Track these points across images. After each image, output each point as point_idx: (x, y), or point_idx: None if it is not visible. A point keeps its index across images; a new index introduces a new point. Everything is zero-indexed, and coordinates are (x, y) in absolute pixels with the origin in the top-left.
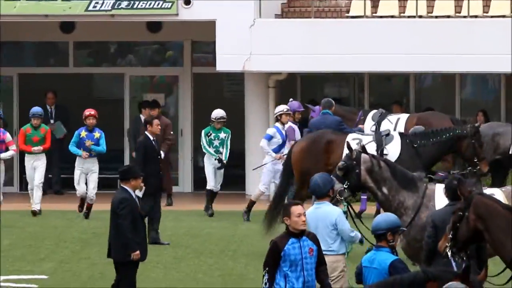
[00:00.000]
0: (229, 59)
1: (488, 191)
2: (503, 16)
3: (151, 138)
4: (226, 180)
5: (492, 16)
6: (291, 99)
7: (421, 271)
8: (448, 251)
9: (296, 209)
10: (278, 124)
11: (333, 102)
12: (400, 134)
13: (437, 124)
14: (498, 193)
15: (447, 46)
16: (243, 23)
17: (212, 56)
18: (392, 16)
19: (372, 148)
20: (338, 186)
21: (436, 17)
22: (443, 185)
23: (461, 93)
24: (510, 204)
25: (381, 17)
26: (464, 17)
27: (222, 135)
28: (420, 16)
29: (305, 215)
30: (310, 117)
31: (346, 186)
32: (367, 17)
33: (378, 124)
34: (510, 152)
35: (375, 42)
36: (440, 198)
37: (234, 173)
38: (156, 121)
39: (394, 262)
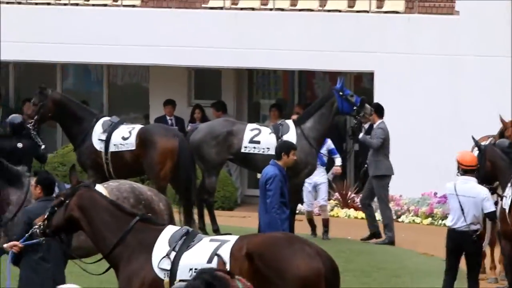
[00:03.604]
0: None
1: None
2: (133, 6)
3: None
4: None
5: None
6: None
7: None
8: (38, 230)
9: None
10: None
11: None
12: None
13: None
14: (99, 189)
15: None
16: None
17: None
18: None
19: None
20: None
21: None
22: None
23: (63, 83)
24: None
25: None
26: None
27: None
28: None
29: None
30: None
31: None
32: None
33: None
34: (241, 151)
35: None
36: None
37: None
38: None
39: None
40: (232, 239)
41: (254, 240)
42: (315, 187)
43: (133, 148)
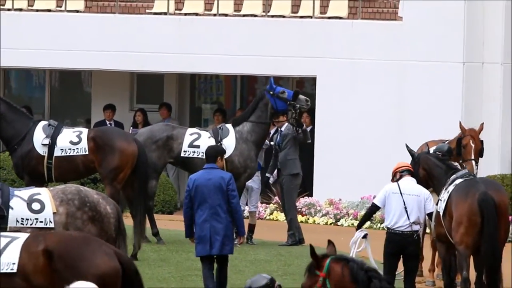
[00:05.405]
0: None
1: (35, 190)
2: (77, 11)
3: None
4: None
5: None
6: None
7: None
8: None
9: None
10: None
11: None
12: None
13: None
14: (43, 192)
15: None
16: None
17: None
18: None
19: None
20: None
21: None
22: None
23: (6, 88)
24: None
25: None
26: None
27: None
28: None
29: None
30: None
31: None
32: None
33: None
34: (181, 155)
35: None
36: None
37: None
38: None
39: None
40: (23, 235)
41: (52, 237)
42: (248, 190)
43: (86, 153)
